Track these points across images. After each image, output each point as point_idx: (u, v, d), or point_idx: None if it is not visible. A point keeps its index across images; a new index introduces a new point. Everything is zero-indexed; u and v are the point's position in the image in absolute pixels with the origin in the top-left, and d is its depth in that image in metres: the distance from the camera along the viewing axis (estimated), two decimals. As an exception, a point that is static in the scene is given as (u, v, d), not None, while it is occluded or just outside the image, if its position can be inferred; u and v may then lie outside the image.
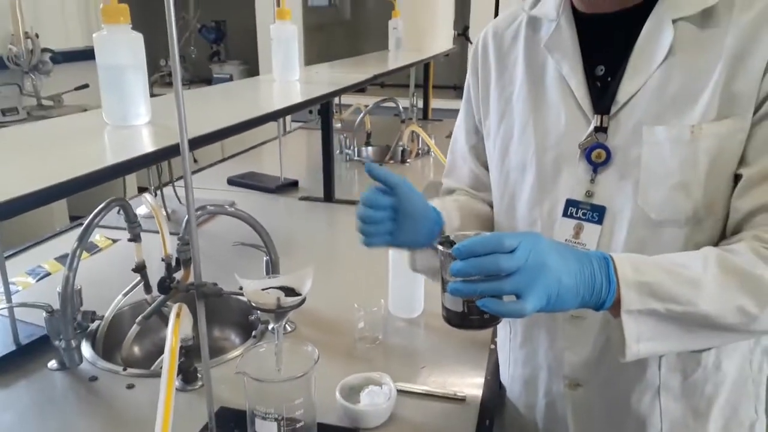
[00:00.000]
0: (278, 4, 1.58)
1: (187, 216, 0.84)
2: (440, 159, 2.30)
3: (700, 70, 0.71)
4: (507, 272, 0.62)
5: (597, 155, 0.77)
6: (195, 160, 2.70)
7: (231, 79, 4.09)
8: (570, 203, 0.80)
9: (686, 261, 0.68)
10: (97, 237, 1.57)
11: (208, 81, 4.19)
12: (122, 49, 0.91)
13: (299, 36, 3.71)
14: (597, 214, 0.78)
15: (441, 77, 3.76)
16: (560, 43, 0.81)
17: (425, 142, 2.46)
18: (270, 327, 1.13)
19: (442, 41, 2.86)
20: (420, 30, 2.79)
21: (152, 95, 1.01)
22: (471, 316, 0.67)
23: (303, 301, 0.73)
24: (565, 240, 0.80)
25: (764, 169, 0.69)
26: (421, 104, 3.24)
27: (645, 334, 0.66)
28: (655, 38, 0.74)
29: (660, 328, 0.67)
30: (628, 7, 0.76)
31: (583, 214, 0.79)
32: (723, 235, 0.75)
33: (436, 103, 3.46)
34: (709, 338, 0.70)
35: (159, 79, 3.74)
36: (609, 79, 0.77)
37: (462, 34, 3.27)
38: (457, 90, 3.89)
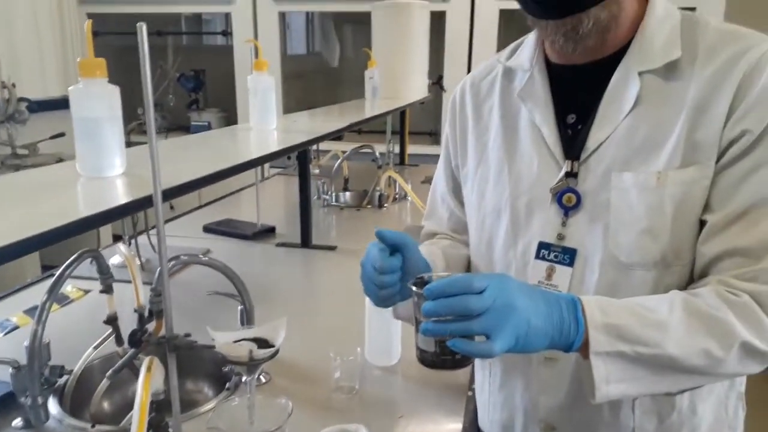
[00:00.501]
0: (256, 56, 1.61)
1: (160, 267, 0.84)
2: (417, 203, 2.33)
3: (665, 119, 0.75)
4: (476, 313, 0.63)
5: (567, 199, 0.79)
6: (171, 207, 2.69)
7: (209, 126, 4.11)
8: (542, 246, 0.82)
9: (653, 304, 0.70)
10: (69, 288, 1.54)
11: (186, 129, 4.21)
12: (98, 102, 0.92)
13: (278, 84, 3.77)
14: (568, 256, 0.80)
15: (417, 124, 3.84)
16: (533, 92, 0.85)
17: (402, 188, 2.49)
18: (244, 379, 1.11)
19: (417, 90, 2.93)
20: (396, 79, 2.86)
21: (129, 143, 1.02)
22: (443, 356, 0.68)
23: (276, 353, 0.73)
24: (538, 282, 0.82)
25: (727, 216, 0.72)
26: (397, 150, 3.29)
27: (614, 375, 0.68)
28: (623, 89, 0.77)
29: (628, 370, 0.68)
30: (597, 59, 0.80)
31: (555, 256, 0.81)
32: (691, 279, 0.76)
33: (412, 148, 3.52)
34: (678, 381, 0.71)
35: (137, 127, 3.75)
36: (579, 126, 0.81)
37: (436, 83, 3.36)
38: (432, 136, 3.96)
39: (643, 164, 0.75)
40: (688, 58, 0.75)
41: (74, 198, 0.88)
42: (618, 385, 0.68)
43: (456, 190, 0.99)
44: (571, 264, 0.80)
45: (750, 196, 0.71)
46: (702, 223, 0.74)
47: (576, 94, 0.82)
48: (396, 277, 0.79)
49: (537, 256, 0.82)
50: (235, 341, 0.72)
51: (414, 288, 0.69)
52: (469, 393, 1.08)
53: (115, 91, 0.93)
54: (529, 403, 0.89)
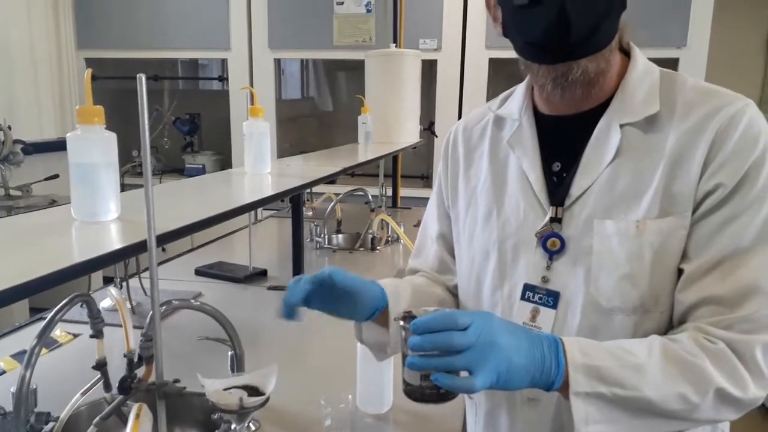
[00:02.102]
0: (251, 102, 1.65)
1: (151, 312, 0.84)
2: (409, 246, 2.34)
3: (644, 170, 0.77)
4: (459, 349, 0.65)
5: (552, 243, 0.82)
6: (164, 250, 2.68)
7: (203, 169, 4.14)
8: (527, 287, 0.84)
9: (632, 347, 0.72)
10: (58, 332, 1.52)
11: (181, 171, 4.23)
12: (95, 149, 0.93)
13: (272, 127, 3.83)
14: (552, 299, 0.82)
15: (409, 167, 3.89)
16: (521, 140, 0.88)
17: (394, 230, 2.51)
18: (233, 426, 1.10)
19: (409, 135, 2.98)
20: (388, 124, 2.91)
21: (123, 185, 1.03)
22: (428, 390, 0.70)
23: (266, 401, 0.72)
24: (523, 323, 0.84)
25: (704, 265, 0.74)
26: (390, 192, 3.33)
27: (593, 416, 0.69)
28: (605, 140, 0.80)
29: (607, 411, 0.69)
30: (583, 111, 0.83)
31: (539, 298, 0.83)
32: (670, 325, 0.78)
33: (404, 191, 3.55)
34: (656, 424, 0.71)
35: (131, 169, 3.78)
36: (564, 174, 0.84)
37: (428, 128, 3.42)
38: (424, 179, 4.01)
39: (624, 213, 0.77)
40: (667, 113, 0.78)
41: (68, 243, 0.88)
42: (597, 426, 0.69)
43: (446, 231, 1.02)
44: (554, 306, 0.82)
45: (724, 246, 0.73)
46: (680, 272, 0.76)
47: (562, 143, 0.85)
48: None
49: (522, 298, 0.85)
50: (225, 389, 0.71)
51: (401, 322, 0.71)
52: (461, 441, 1.07)
53: (111, 138, 0.95)
54: None
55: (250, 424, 1.10)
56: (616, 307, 0.78)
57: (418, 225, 2.82)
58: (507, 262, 0.87)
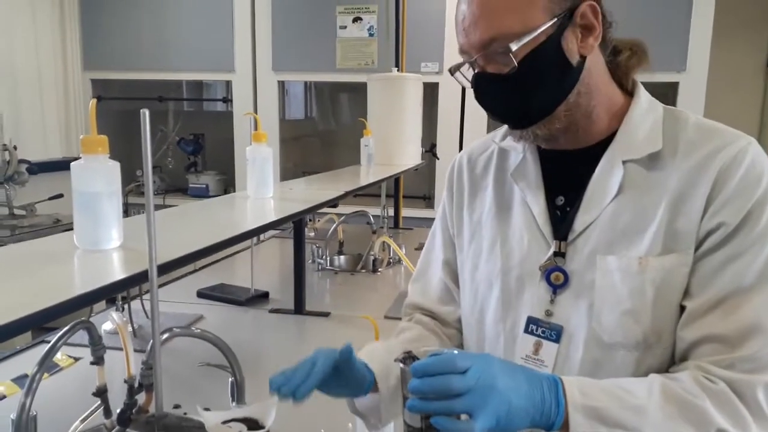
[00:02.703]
0: (255, 128, 1.67)
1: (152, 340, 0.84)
2: (410, 269, 2.34)
3: (647, 207, 0.78)
4: (458, 392, 0.65)
5: (555, 277, 0.82)
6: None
7: (207, 189, 4.17)
8: (531, 320, 0.84)
9: (633, 387, 0.72)
10: (59, 355, 1.52)
11: (184, 190, 4.26)
12: (99, 178, 0.95)
13: (276, 147, 3.86)
14: (555, 332, 0.82)
15: (411, 188, 3.91)
16: (525, 173, 0.89)
17: (396, 252, 2.51)
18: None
19: (411, 157, 3.00)
20: (390, 147, 2.93)
21: (127, 204, 1.04)
22: None
23: (265, 433, 0.73)
24: (526, 356, 0.84)
25: (706, 303, 0.74)
26: (392, 212, 3.34)
27: None
28: (607, 176, 0.81)
29: None
30: (585, 146, 0.84)
31: (542, 332, 0.83)
32: (672, 361, 0.78)
33: (406, 212, 3.57)
34: None
35: (134, 188, 3.80)
36: (568, 209, 0.84)
37: (429, 150, 3.45)
38: (426, 200, 4.02)
39: (626, 249, 0.78)
40: (670, 151, 0.79)
41: (70, 273, 0.89)
42: None
43: (450, 258, 1.01)
44: (557, 340, 0.82)
45: (726, 285, 0.73)
46: (682, 308, 0.76)
47: (565, 178, 0.86)
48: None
49: (526, 330, 0.84)
50: (225, 421, 0.72)
51: (402, 365, 0.71)
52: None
53: (115, 168, 0.96)
54: None
55: (250, 453, 1.10)
56: (618, 342, 0.78)
57: (420, 247, 2.83)
58: (511, 294, 0.87)
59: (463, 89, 3.59)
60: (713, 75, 3.36)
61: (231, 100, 4.06)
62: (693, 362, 0.74)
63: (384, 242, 2.51)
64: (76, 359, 1.51)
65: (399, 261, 2.56)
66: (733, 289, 0.73)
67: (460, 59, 0.83)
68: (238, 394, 1.12)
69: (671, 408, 0.69)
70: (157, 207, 1.75)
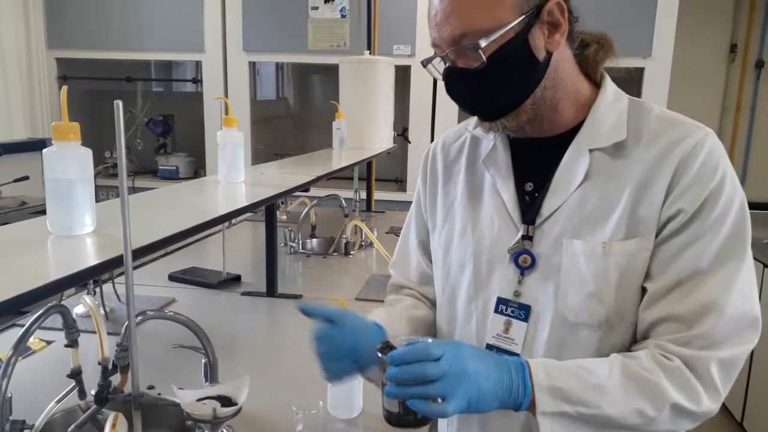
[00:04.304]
0: (226, 112, 1.67)
1: (127, 322, 0.86)
2: (381, 251, 2.38)
3: (611, 194, 0.83)
4: (433, 378, 0.70)
5: (523, 260, 0.87)
6: (137, 253, 2.68)
7: (177, 170, 4.13)
8: (500, 301, 0.89)
9: (594, 367, 0.77)
10: (32, 339, 1.53)
11: (154, 172, 4.21)
12: (71, 165, 0.95)
13: (247, 129, 3.83)
14: (523, 312, 0.87)
15: (383, 171, 3.93)
16: (496, 161, 0.93)
17: (368, 235, 2.55)
18: (207, 432, 1.13)
19: (383, 140, 3.03)
20: (362, 130, 2.95)
21: (96, 186, 1.04)
22: (407, 416, 0.75)
23: (238, 411, 0.76)
24: (497, 334, 0.89)
25: (665, 285, 0.79)
26: (364, 195, 3.37)
27: None
28: (574, 164, 0.86)
29: (571, 428, 0.75)
30: (553, 135, 0.89)
31: (512, 311, 0.88)
32: (634, 339, 0.83)
33: (379, 194, 3.60)
34: None
35: (103, 170, 3.74)
36: (536, 194, 0.89)
37: (401, 134, 3.47)
38: (398, 183, 4.05)
39: (591, 234, 0.83)
40: (634, 140, 0.84)
41: (44, 259, 0.91)
42: None
43: (425, 242, 1.06)
44: (526, 319, 0.87)
45: (684, 268, 0.78)
46: (643, 290, 0.81)
47: (534, 165, 0.90)
48: (331, 346, 0.82)
49: (496, 311, 0.89)
50: (199, 399, 0.75)
51: (379, 354, 0.76)
52: (427, 444, 1.11)
53: (87, 154, 0.97)
54: None
55: (224, 430, 1.13)
56: (582, 322, 0.83)
57: (391, 231, 2.87)
58: (482, 276, 0.92)
59: (435, 73, 3.62)
60: (678, 61, 3.45)
61: (201, 81, 4.01)
62: (652, 341, 0.79)
63: (356, 225, 2.55)
64: (49, 342, 1.52)
65: (371, 244, 2.60)
66: (690, 272, 0.78)
67: (431, 43, 0.87)
68: (211, 374, 1.16)
69: (629, 385, 0.75)
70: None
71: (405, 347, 0.73)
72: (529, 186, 0.90)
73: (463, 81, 0.84)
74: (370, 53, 3.22)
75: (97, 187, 1.08)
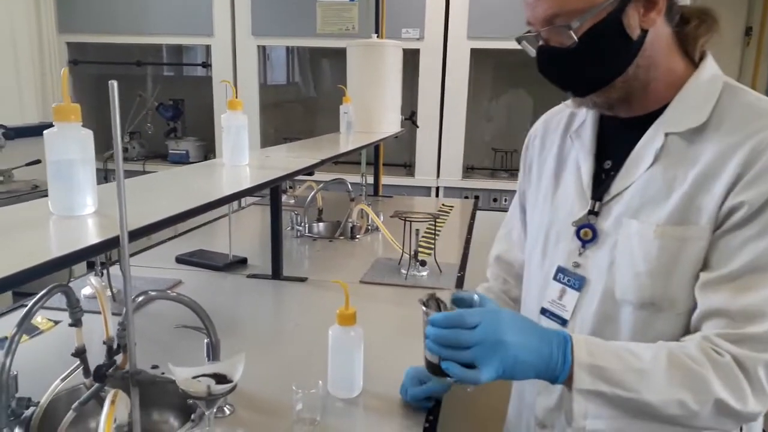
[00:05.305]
0: (235, 95, 1.67)
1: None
2: (387, 236, 2.38)
3: (676, 178, 0.82)
4: (466, 345, 0.74)
5: (585, 233, 0.90)
6: (148, 237, 2.71)
7: (187, 155, 4.15)
8: (560, 269, 0.94)
9: (639, 351, 0.77)
10: (38, 318, 1.56)
11: (164, 156, 4.24)
12: (72, 146, 0.96)
13: (255, 114, 3.84)
14: (578, 282, 0.91)
15: (391, 155, 3.92)
16: (582, 136, 0.97)
17: (374, 220, 2.55)
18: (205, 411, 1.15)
19: (391, 124, 3.01)
20: (370, 114, 2.94)
21: (107, 170, 1.06)
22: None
23: (233, 388, 0.77)
24: (552, 300, 0.94)
25: (722, 278, 0.78)
26: (372, 180, 3.36)
27: (592, 412, 0.75)
28: (648, 146, 0.86)
29: (606, 408, 0.75)
30: (640, 115, 0.89)
31: (568, 280, 0.92)
32: (687, 330, 0.82)
33: (387, 179, 3.59)
34: (653, 426, 0.77)
35: (112, 156, 3.77)
36: (612, 172, 0.91)
37: (409, 118, 3.46)
38: (407, 168, 4.04)
39: (648, 216, 0.84)
40: (714, 126, 0.82)
41: (46, 238, 0.92)
42: (594, 421, 0.76)
43: (523, 215, 1.13)
44: (579, 289, 0.91)
45: (744, 263, 0.77)
46: (698, 280, 0.80)
47: (616, 143, 0.92)
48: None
49: (554, 278, 0.94)
50: (195, 377, 0.76)
51: (423, 308, 0.81)
52: (426, 425, 1.12)
53: (88, 135, 0.98)
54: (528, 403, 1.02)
55: (225, 408, 1.15)
56: (627, 300, 0.84)
57: (395, 215, 2.87)
58: (550, 244, 0.97)
59: (444, 56, 3.60)
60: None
61: (210, 65, 4.01)
62: (702, 333, 0.78)
63: (362, 210, 2.55)
64: (56, 322, 1.55)
65: (377, 228, 2.60)
66: (750, 268, 0.76)
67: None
68: (213, 354, 1.17)
69: (674, 373, 0.75)
70: (137, 173, 1.75)
71: (443, 313, 0.77)
72: (607, 164, 0.93)
73: (555, 59, 0.85)
74: (378, 37, 3.20)
75: (107, 171, 1.09)
